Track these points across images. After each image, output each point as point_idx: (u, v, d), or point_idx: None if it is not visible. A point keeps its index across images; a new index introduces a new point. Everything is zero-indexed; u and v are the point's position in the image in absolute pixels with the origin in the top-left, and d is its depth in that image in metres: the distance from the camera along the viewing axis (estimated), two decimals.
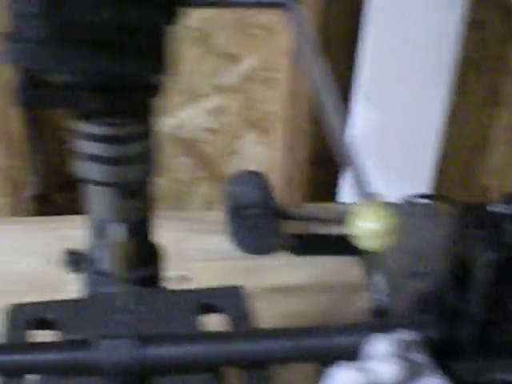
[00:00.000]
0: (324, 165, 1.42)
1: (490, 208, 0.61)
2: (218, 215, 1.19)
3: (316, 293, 1.07)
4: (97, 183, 0.56)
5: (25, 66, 0.51)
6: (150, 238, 0.72)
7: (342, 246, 1.11)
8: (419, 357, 0.55)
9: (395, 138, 1.41)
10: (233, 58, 1.39)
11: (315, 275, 1.10)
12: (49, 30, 0.47)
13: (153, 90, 0.55)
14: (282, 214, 1.13)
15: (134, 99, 0.53)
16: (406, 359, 0.52)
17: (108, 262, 0.71)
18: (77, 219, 1.20)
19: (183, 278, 1.05)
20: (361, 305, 1.00)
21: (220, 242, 1.15)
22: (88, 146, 0.55)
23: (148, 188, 0.60)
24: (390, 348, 0.52)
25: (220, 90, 1.41)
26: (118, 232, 0.60)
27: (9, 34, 0.53)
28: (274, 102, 1.43)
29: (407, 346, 0.55)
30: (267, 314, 0.99)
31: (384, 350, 0.52)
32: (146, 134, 0.56)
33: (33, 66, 0.50)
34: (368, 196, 0.59)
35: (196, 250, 1.14)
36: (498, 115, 1.59)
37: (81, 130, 0.55)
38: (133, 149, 0.55)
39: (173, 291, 0.73)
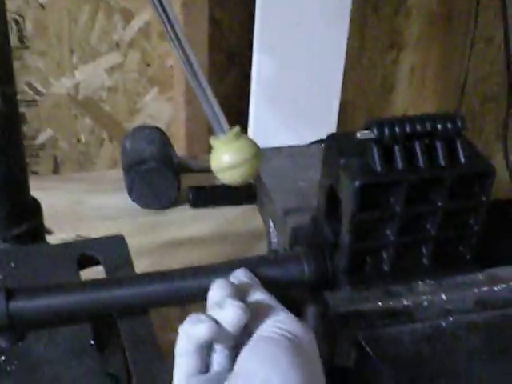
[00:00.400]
0: (226, 117, 1.41)
1: (357, 136, 0.61)
2: (119, 173, 1.17)
3: (218, 244, 1.07)
4: None
5: None
6: (21, 194, 0.70)
7: (240, 195, 1.11)
8: (258, 295, 0.54)
9: (297, 85, 1.40)
10: (127, 14, 1.36)
11: (215, 226, 1.10)
12: None
13: None
14: (179, 167, 1.11)
15: None
16: (243, 300, 0.52)
17: None
18: None
19: (80, 238, 1.03)
20: (262, 252, 1.00)
21: (120, 200, 1.13)
22: None
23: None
24: (227, 292, 0.52)
25: (117, 47, 1.38)
26: None
27: None
28: (172, 56, 1.41)
29: (245, 287, 0.55)
30: (168, 267, 0.98)
31: (222, 294, 0.52)
32: None
33: None
34: (225, 130, 0.58)
35: (95, 210, 1.12)
36: (400, 57, 1.60)
37: None
38: None
39: (51, 245, 0.71)
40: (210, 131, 1.41)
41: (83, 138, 1.44)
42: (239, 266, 0.60)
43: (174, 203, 1.12)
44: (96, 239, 0.71)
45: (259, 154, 0.59)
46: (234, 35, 1.45)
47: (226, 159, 0.58)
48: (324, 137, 1.21)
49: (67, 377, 0.57)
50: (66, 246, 0.70)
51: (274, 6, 1.33)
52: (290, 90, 1.40)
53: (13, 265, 0.67)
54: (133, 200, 1.10)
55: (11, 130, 0.64)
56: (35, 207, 0.74)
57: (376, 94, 1.64)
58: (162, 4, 0.57)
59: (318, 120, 1.44)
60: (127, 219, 1.10)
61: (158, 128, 1.17)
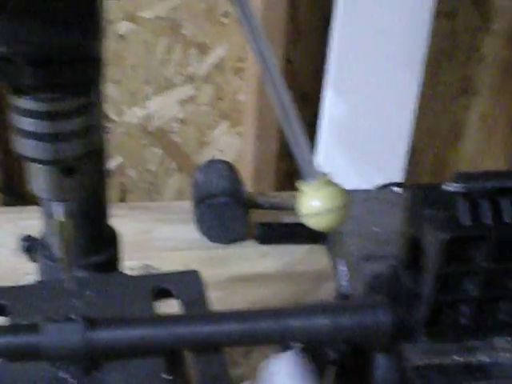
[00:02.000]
0: (292, 156, 1.41)
1: (443, 188, 0.60)
2: (187, 205, 1.18)
3: (282, 282, 1.06)
4: (34, 160, 0.55)
5: None
6: (101, 222, 0.71)
7: (308, 234, 1.11)
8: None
9: (367, 128, 1.40)
10: (202, 48, 1.38)
11: (282, 264, 1.09)
12: None
13: (92, 63, 0.53)
14: (249, 203, 1.12)
15: (70, 73, 0.51)
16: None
17: (56, 246, 0.70)
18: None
19: (148, 268, 1.04)
20: (327, 293, 0.99)
21: (187, 232, 1.13)
22: (23, 121, 0.54)
23: (90, 166, 0.59)
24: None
25: (190, 80, 1.40)
26: (58, 212, 0.58)
27: None
28: (244, 92, 1.42)
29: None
30: (234, 302, 0.98)
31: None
32: (82, 110, 0.55)
33: None
34: (315, 175, 0.58)
35: (163, 240, 1.13)
36: (471, 105, 1.59)
37: (16, 104, 0.54)
38: (68, 125, 0.54)
39: (127, 276, 0.72)
40: (278, 169, 1.43)
41: (152, 168, 1.46)
42: (316, 311, 0.60)
43: (241, 239, 1.12)
44: (171, 273, 0.72)
45: (348, 203, 0.59)
46: (306, 75, 1.46)
47: (315, 205, 0.58)
48: (392, 181, 1.21)
49: None
50: (141, 278, 0.71)
51: (348, 48, 1.33)
52: (360, 132, 1.40)
53: (88, 293, 0.67)
54: (201, 233, 1.11)
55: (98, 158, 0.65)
56: (113, 236, 0.75)
57: (444, 140, 1.63)
58: (261, 51, 0.57)
59: (385, 163, 1.43)
60: (195, 252, 1.11)
61: (229, 163, 1.18)
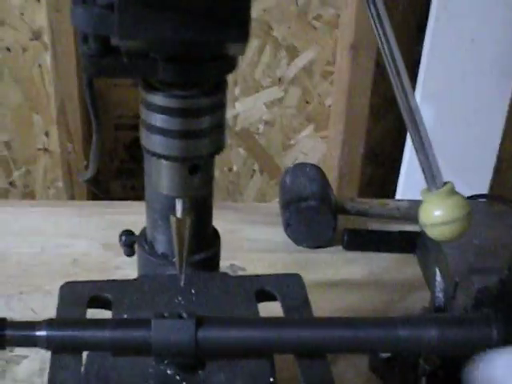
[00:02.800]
0: (379, 161, 1.40)
1: None
2: (273, 207, 1.18)
3: (369, 289, 1.05)
4: (162, 157, 0.55)
5: (96, 33, 0.50)
6: (207, 220, 0.72)
7: (397, 242, 1.10)
8: None
9: (454, 137, 1.38)
10: (292, 51, 1.38)
11: (368, 271, 1.08)
12: None
13: (229, 63, 0.53)
14: (338, 208, 1.11)
15: (210, 72, 0.52)
16: None
17: (165, 242, 0.70)
18: (130, 205, 1.21)
19: (234, 268, 1.04)
20: (415, 303, 0.98)
21: (273, 234, 1.13)
22: (154, 117, 0.54)
23: (212, 164, 0.59)
24: None
25: (279, 82, 1.40)
26: (181, 208, 0.59)
27: None
28: (332, 96, 1.42)
29: None
30: (318, 307, 0.98)
31: None
32: (215, 109, 0.55)
33: (105, 32, 0.49)
34: (439, 184, 0.57)
35: (249, 241, 1.13)
36: None
37: (147, 99, 0.54)
38: (199, 123, 0.54)
39: (230, 276, 0.72)
40: (363, 174, 1.42)
41: (235, 168, 1.47)
42: (425, 323, 0.59)
43: (328, 244, 1.11)
44: (274, 276, 0.72)
45: (470, 214, 0.57)
46: None
47: (438, 214, 0.57)
48: (479, 191, 1.19)
49: None
50: (244, 279, 0.71)
51: (440, 55, 1.32)
52: (447, 141, 1.38)
53: (193, 291, 0.68)
54: (288, 236, 1.10)
55: None
56: (216, 235, 0.75)
57: None
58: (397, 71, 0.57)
59: (472, 174, 1.41)
60: (281, 254, 1.10)
61: (317, 166, 1.17)
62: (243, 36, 0.48)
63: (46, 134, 1.51)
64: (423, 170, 0.58)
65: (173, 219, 0.59)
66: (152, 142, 0.55)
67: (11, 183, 1.61)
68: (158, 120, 0.54)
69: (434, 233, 0.58)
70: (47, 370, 0.85)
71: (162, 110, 0.53)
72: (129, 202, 1.21)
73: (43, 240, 1.10)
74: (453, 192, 0.57)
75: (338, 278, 1.06)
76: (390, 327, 0.60)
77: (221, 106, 0.56)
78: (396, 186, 1.40)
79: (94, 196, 1.41)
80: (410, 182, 1.39)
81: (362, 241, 1.11)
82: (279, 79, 1.39)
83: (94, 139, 0.79)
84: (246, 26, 0.48)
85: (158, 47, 0.49)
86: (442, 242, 0.60)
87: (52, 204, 1.32)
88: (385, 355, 0.84)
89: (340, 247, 1.12)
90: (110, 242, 1.09)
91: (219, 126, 0.56)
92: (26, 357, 0.88)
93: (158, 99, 0.53)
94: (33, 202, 1.52)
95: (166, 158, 0.55)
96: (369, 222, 1.16)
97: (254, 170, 1.47)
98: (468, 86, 1.34)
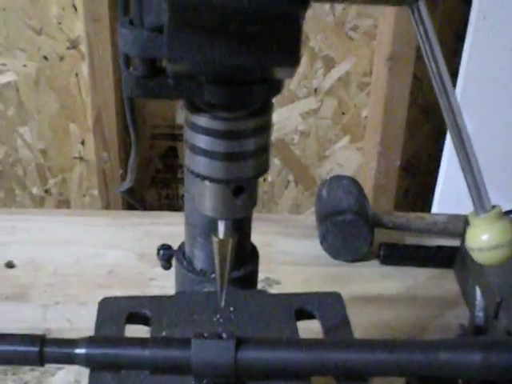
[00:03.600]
0: (415, 173, 1.39)
1: None
2: (308, 219, 1.17)
3: (405, 305, 1.04)
4: (206, 178, 0.55)
5: (143, 55, 0.50)
6: (247, 237, 0.71)
7: (434, 257, 1.09)
8: None
9: (492, 146, 1.36)
10: (329, 61, 1.37)
11: (404, 286, 1.07)
12: (170, 14, 0.45)
13: (276, 85, 0.52)
14: (375, 222, 1.10)
15: (256, 94, 0.51)
16: None
17: (204, 259, 0.70)
18: (166, 215, 1.21)
19: (269, 281, 1.03)
20: (451, 320, 0.96)
21: (308, 247, 1.12)
22: (198, 138, 0.53)
23: (256, 186, 0.58)
24: None
25: (315, 93, 1.39)
26: (223, 229, 0.58)
27: (124, 20, 0.52)
28: (368, 107, 1.41)
29: None
30: (355, 323, 0.97)
31: None
32: (261, 130, 0.54)
33: (153, 54, 0.49)
34: (487, 208, 0.56)
35: (284, 254, 1.12)
36: None
37: (192, 121, 0.54)
38: (244, 145, 0.54)
39: (269, 294, 0.71)
40: (399, 187, 1.41)
41: (270, 179, 1.46)
42: (468, 346, 0.58)
43: (364, 258, 1.10)
44: (313, 294, 0.71)
45: None
46: (433, 91, 1.43)
47: (485, 239, 0.56)
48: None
49: None
50: (283, 297, 0.70)
51: (479, 64, 1.30)
52: (485, 152, 1.36)
53: (232, 309, 0.67)
54: (324, 249, 1.09)
55: None
56: (254, 252, 0.75)
57: None
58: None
59: (509, 186, 1.39)
60: (316, 267, 1.09)
61: (354, 179, 1.16)
62: (294, 60, 0.47)
63: (82, 143, 1.52)
64: (470, 193, 0.57)
65: (215, 240, 0.59)
66: (196, 163, 0.55)
67: (46, 191, 1.62)
68: (203, 141, 0.54)
69: (481, 257, 0.57)
70: (82, 382, 0.86)
71: (207, 132, 0.53)
72: (165, 213, 1.21)
73: (79, 250, 1.10)
74: (501, 216, 0.56)
75: (374, 293, 1.05)
76: (432, 350, 0.59)
77: (266, 128, 0.55)
78: (433, 198, 1.39)
79: (128, 205, 1.41)
80: (446, 194, 1.37)
81: (399, 255, 1.10)
82: (315, 90, 1.39)
83: (133, 152, 0.79)
84: (297, 50, 0.47)
85: (207, 70, 0.48)
86: (490, 267, 0.59)
87: (87, 213, 1.33)
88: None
89: (376, 261, 1.11)
90: (146, 252, 1.09)
91: (264, 148, 0.56)
92: (61, 368, 0.88)
93: (202, 121, 0.53)
94: (68, 211, 1.53)
95: (210, 179, 0.55)
96: (406, 236, 1.15)
97: (288, 181, 1.46)
98: (508, 94, 1.33)
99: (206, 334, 0.58)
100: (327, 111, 1.40)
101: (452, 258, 1.06)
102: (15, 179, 1.62)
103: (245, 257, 0.73)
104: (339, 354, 0.59)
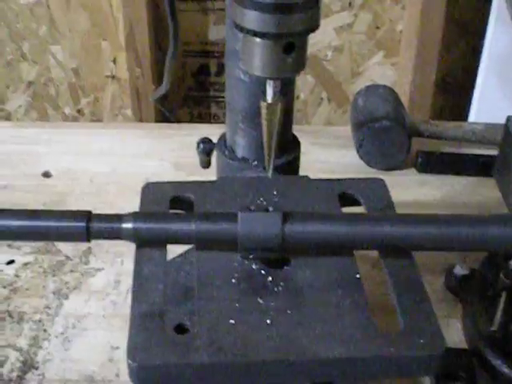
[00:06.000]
0: (450, 89, 1.37)
1: None
2: (343, 129, 1.16)
3: (443, 211, 1.03)
4: (257, 34, 0.54)
5: None
6: (290, 124, 0.71)
7: (472, 165, 1.08)
8: None
9: None
10: None
11: (441, 194, 1.06)
12: None
13: None
14: (412, 130, 1.09)
15: None
16: None
17: (246, 146, 0.70)
18: (199, 127, 1.20)
19: None
20: None
21: (345, 157, 1.12)
22: None
23: (306, 44, 0.58)
24: None
25: (349, 6, 1.37)
26: (273, 91, 0.58)
27: None
28: (404, 21, 1.38)
29: None
30: None
31: None
32: None
33: None
34: None
35: (321, 163, 1.11)
36: None
37: None
38: None
39: (313, 179, 0.71)
40: (434, 102, 1.39)
41: (302, 96, 1.45)
42: None
43: (401, 166, 1.09)
44: (357, 180, 0.71)
45: None
46: (469, 5, 1.41)
47: None
48: None
49: (332, 303, 0.57)
50: (327, 182, 0.70)
51: None
52: None
53: (275, 193, 0.67)
54: (360, 157, 1.09)
55: None
56: (295, 143, 0.74)
57: None
58: None
59: None
60: (352, 176, 1.09)
61: (391, 88, 1.15)
62: None
63: (114, 61, 1.51)
64: None
65: (263, 104, 0.58)
66: (246, 17, 0.54)
67: (79, 111, 1.62)
68: None
69: None
70: (122, 282, 0.87)
71: None
72: (198, 125, 1.21)
73: (114, 160, 1.10)
74: None
75: (410, 200, 1.04)
76: (481, 224, 0.58)
77: None
78: (468, 115, 1.37)
79: (162, 122, 1.41)
80: (482, 109, 1.35)
81: (437, 163, 1.09)
82: (349, 3, 1.36)
83: (170, 48, 0.78)
84: None
85: None
86: None
87: (122, 126, 1.33)
88: (461, 273, 0.83)
89: (413, 170, 1.10)
90: (181, 161, 1.09)
91: (314, 2, 0.55)
92: (100, 269, 0.89)
93: None
94: (103, 125, 1.53)
95: (261, 34, 0.54)
96: (443, 145, 1.14)
97: (321, 98, 1.45)
98: None
99: (252, 208, 0.58)
100: (361, 26, 1.38)
101: (490, 167, 1.05)
102: (48, 99, 1.62)
103: (287, 144, 0.72)
104: (383, 227, 0.58)
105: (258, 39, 0.55)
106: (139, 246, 0.61)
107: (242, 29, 0.54)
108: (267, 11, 0.53)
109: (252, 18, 0.53)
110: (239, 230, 0.57)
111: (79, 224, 0.59)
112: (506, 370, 0.68)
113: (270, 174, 0.62)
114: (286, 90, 0.65)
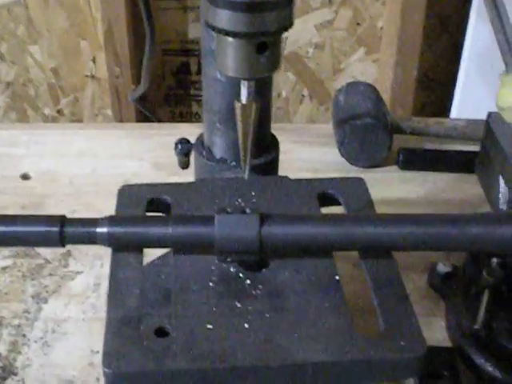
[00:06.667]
0: (432, 86, 1.36)
1: None
2: (325, 127, 1.15)
3: (425, 208, 1.03)
4: (228, 34, 0.53)
5: None
6: (268, 124, 0.70)
7: (454, 162, 1.07)
8: None
9: None
10: None
11: (424, 191, 1.06)
12: None
13: None
14: (393, 127, 1.08)
15: None
16: None
17: (224, 147, 0.69)
18: (180, 127, 1.19)
19: None
20: None
21: (327, 154, 1.11)
22: None
23: (280, 43, 0.57)
24: None
25: (329, 3, 1.36)
26: (247, 92, 0.57)
27: None
28: (384, 17, 1.38)
29: None
30: None
31: None
32: None
33: None
34: None
35: (302, 161, 1.11)
36: None
37: None
38: None
39: (291, 179, 0.70)
40: (416, 98, 1.38)
41: (284, 94, 1.44)
42: (500, 219, 0.57)
43: (383, 163, 1.09)
44: (337, 179, 0.70)
45: None
46: (450, 1, 1.40)
47: None
48: None
49: (311, 306, 0.56)
50: (305, 182, 0.69)
51: None
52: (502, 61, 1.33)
53: (253, 193, 0.66)
54: (342, 155, 1.08)
55: None
56: (274, 143, 0.74)
57: None
58: None
59: None
60: (333, 174, 1.07)
61: (372, 85, 1.14)
62: None
63: (93, 61, 1.50)
64: (502, 52, 0.55)
65: (237, 105, 0.57)
66: (218, 17, 0.53)
67: (59, 111, 1.61)
68: None
69: (507, 116, 0.55)
70: (102, 285, 0.86)
71: None
72: (178, 124, 1.20)
73: (94, 161, 1.09)
74: None
75: (393, 197, 1.04)
76: (462, 224, 0.58)
77: None
78: (449, 110, 1.36)
79: (143, 121, 1.40)
80: (463, 105, 1.35)
81: (418, 160, 1.08)
82: (329, 0, 1.35)
83: (147, 48, 0.77)
84: None
85: None
86: None
87: (102, 127, 1.32)
88: (444, 271, 0.82)
89: (395, 167, 1.09)
90: (161, 162, 1.08)
91: (287, 0, 0.54)
92: (80, 272, 0.88)
93: None
94: (82, 125, 1.51)
95: (233, 34, 0.53)
96: (424, 142, 1.13)
97: (303, 96, 1.44)
98: None
99: (229, 210, 0.57)
100: (342, 22, 1.37)
101: (472, 163, 1.04)
102: (27, 100, 1.60)
103: (265, 145, 0.71)
104: (363, 228, 0.58)
105: (230, 39, 0.54)
106: (115, 250, 0.60)
107: (214, 28, 0.53)
108: (239, 10, 0.52)
109: (224, 17, 0.53)
110: (216, 233, 0.56)
111: (53, 229, 0.58)
112: (489, 368, 0.67)
113: (246, 175, 0.61)
114: (262, 90, 0.64)
